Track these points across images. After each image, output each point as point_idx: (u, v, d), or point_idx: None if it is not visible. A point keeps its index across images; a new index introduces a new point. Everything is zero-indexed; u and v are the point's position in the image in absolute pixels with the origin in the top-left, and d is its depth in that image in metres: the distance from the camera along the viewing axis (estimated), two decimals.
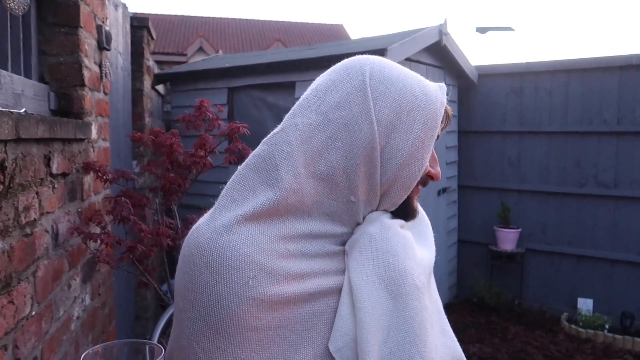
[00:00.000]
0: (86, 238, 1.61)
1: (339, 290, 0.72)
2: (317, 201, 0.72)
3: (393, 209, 0.76)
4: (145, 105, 3.31)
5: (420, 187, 0.78)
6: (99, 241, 1.66)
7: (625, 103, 3.90)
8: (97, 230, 1.78)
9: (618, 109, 3.94)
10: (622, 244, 3.95)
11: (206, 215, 0.73)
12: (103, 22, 2.08)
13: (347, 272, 0.72)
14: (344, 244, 0.75)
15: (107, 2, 2.27)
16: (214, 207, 0.73)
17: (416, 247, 0.76)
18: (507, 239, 4.25)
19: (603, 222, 4.03)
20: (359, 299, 0.69)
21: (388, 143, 0.71)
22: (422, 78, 0.77)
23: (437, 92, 0.76)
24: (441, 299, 0.83)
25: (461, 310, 4.36)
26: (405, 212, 0.77)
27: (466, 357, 0.79)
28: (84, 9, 1.81)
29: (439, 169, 0.79)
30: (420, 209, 0.85)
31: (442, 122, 0.77)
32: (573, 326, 3.86)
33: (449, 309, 4.30)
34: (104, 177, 1.78)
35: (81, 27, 1.78)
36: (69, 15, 1.76)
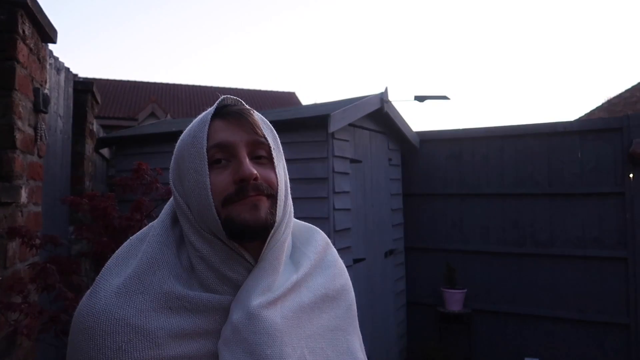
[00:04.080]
0: (4, 309, 1.50)
1: None
2: None
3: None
4: (86, 169, 3.22)
5: (253, 198, 0.71)
6: (18, 312, 1.55)
7: (555, 166, 4.18)
8: (19, 300, 1.66)
9: (548, 171, 4.20)
10: (561, 302, 4.08)
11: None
12: (42, 85, 2.06)
13: None
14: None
15: (48, 66, 2.26)
16: (99, 274, 0.74)
17: (312, 276, 0.79)
18: (454, 300, 4.29)
19: (542, 281, 4.16)
20: None
21: (186, 193, 0.75)
22: (202, 115, 0.77)
23: (201, 119, 0.76)
24: None
25: None
26: (235, 230, 0.71)
27: None
28: (20, 72, 1.80)
29: (244, 168, 0.71)
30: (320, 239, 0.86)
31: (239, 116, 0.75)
32: None
33: None
34: (31, 243, 1.69)
35: (16, 89, 1.76)
36: (3, 78, 1.74)
